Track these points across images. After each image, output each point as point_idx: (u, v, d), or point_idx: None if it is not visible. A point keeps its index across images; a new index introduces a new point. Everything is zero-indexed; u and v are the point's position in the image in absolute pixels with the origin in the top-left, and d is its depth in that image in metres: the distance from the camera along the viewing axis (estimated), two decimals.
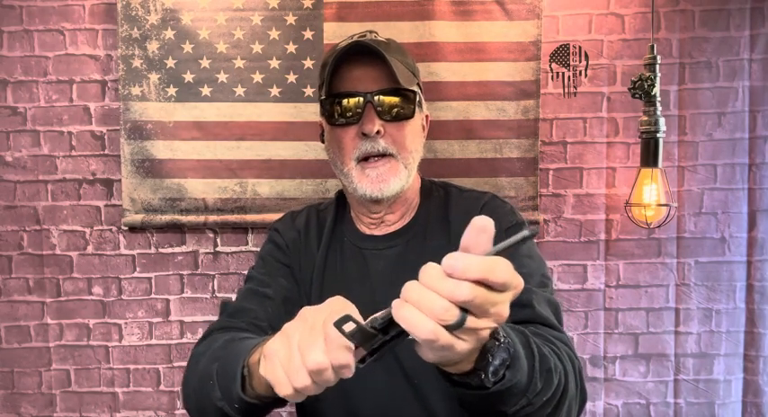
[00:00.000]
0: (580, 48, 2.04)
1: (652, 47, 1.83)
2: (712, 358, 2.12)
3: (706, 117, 2.07)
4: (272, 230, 1.07)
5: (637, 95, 1.82)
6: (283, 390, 0.52)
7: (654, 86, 1.80)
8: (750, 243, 2.10)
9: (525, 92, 2.00)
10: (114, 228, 2.06)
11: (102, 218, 2.06)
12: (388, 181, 0.92)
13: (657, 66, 1.82)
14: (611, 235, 2.10)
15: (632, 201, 1.92)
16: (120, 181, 2.03)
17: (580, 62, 2.05)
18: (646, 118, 1.84)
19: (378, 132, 0.90)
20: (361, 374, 0.50)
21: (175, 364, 2.09)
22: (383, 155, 0.92)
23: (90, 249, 2.07)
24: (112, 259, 2.07)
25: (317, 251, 1.00)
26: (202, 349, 0.84)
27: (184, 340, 2.09)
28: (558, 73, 2.05)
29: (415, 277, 0.48)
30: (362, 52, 0.91)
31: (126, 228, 2.05)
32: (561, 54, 2.04)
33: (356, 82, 0.91)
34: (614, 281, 2.11)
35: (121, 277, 2.08)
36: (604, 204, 2.09)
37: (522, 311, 0.80)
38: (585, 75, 2.05)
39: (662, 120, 1.83)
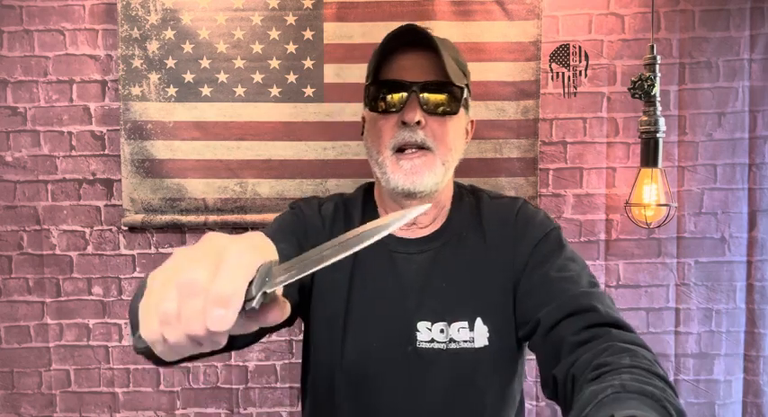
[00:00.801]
0: (580, 48, 2.04)
1: (652, 47, 1.83)
2: (712, 358, 2.12)
3: (706, 117, 2.07)
4: (295, 207, 1.01)
5: (637, 95, 1.82)
6: (146, 328, 0.43)
7: (654, 86, 1.80)
8: (750, 243, 2.10)
9: (525, 92, 2.00)
10: (114, 228, 2.06)
11: (102, 218, 2.06)
12: (423, 174, 0.88)
13: (657, 66, 1.82)
14: (611, 235, 2.10)
15: (632, 201, 1.92)
16: (120, 181, 2.03)
17: (580, 62, 2.05)
18: (646, 118, 1.84)
19: (418, 122, 0.87)
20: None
21: None
22: (420, 148, 0.88)
23: (90, 249, 2.07)
24: (112, 259, 2.07)
25: None
26: None
27: None
28: (557, 73, 2.05)
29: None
30: (414, 42, 0.88)
31: (126, 228, 2.05)
32: (561, 54, 2.04)
33: (404, 71, 0.89)
34: (614, 281, 2.11)
35: (121, 277, 2.07)
36: (604, 204, 2.09)
37: (586, 315, 0.78)
38: (585, 76, 2.05)
39: (662, 120, 1.83)
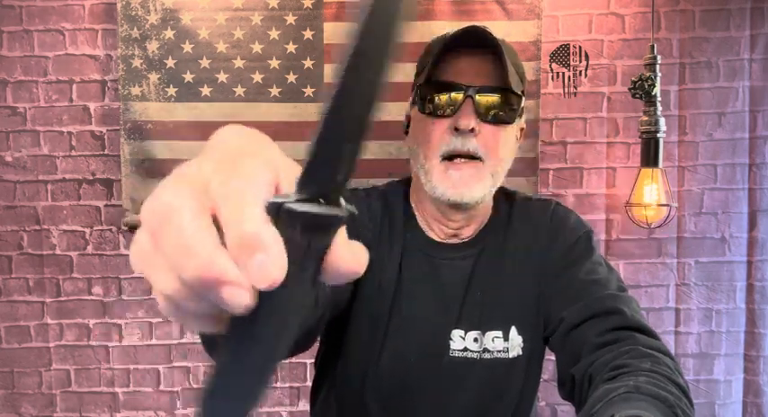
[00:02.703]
0: (580, 48, 2.04)
1: (652, 47, 1.83)
2: (713, 358, 2.12)
3: (706, 117, 2.07)
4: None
5: (637, 95, 1.82)
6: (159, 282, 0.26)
7: (654, 86, 1.80)
8: (750, 243, 2.10)
9: (525, 91, 1.99)
10: (114, 228, 2.06)
11: (102, 218, 2.06)
12: (471, 186, 0.83)
13: (658, 66, 1.81)
14: (612, 235, 2.10)
15: (632, 201, 1.92)
16: (119, 181, 2.03)
17: (580, 62, 2.04)
18: (646, 118, 1.84)
19: (472, 130, 0.82)
20: None
21: (175, 364, 2.09)
22: (471, 158, 0.83)
23: (90, 249, 2.06)
24: (112, 259, 2.07)
25: (389, 250, 0.90)
26: None
27: (184, 340, 2.09)
28: (558, 73, 2.04)
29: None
30: (474, 43, 0.83)
31: (126, 228, 2.05)
32: (561, 54, 2.04)
33: (461, 73, 0.84)
34: None
35: (121, 277, 2.07)
36: (605, 204, 2.09)
37: (611, 318, 0.77)
38: (586, 75, 2.05)
39: (662, 120, 1.83)
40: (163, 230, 0.26)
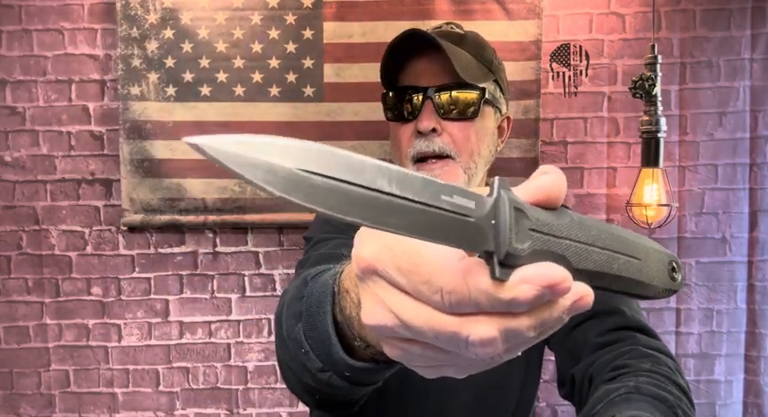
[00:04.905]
0: (581, 47, 2.03)
1: (653, 46, 1.82)
2: (713, 358, 2.12)
3: (707, 117, 2.06)
4: (321, 222, 0.92)
5: (637, 95, 1.81)
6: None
7: (655, 86, 1.79)
8: (751, 243, 2.10)
9: (525, 91, 1.99)
10: (113, 228, 2.06)
11: (102, 218, 2.06)
12: None
13: (658, 66, 1.81)
14: None
15: (633, 201, 1.91)
16: (119, 181, 2.02)
17: (581, 62, 2.04)
18: (647, 117, 1.83)
19: (434, 130, 0.83)
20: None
21: (174, 364, 2.09)
22: (441, 157, 0.84)
23: (89, 249, 2.06)
24: (112, 259, 2.07)
25: None
26: (280, 308, 0.61)
27: (183, 340, 2.09)
28: (558, 72, 2.04)
29: None
30: (425, 44, 0.84)
31: (125, 228, 2.04)
32: (562, 53, 2.04)
33: (417, 76, 0.85)
34: None
35: (121, 277, 2.07)
36: (605, 204, 2.09)
37: (611, 318, 0.77)
38: (586, 75, 2.05)
39: (663, 120, 1.82)
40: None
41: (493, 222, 0.26)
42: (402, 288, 0.29)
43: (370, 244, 0.30)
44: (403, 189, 0.25)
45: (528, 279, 0.26)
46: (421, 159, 0.85)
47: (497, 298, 0.26)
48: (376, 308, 0.30)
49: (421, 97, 0.84)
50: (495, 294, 0.26)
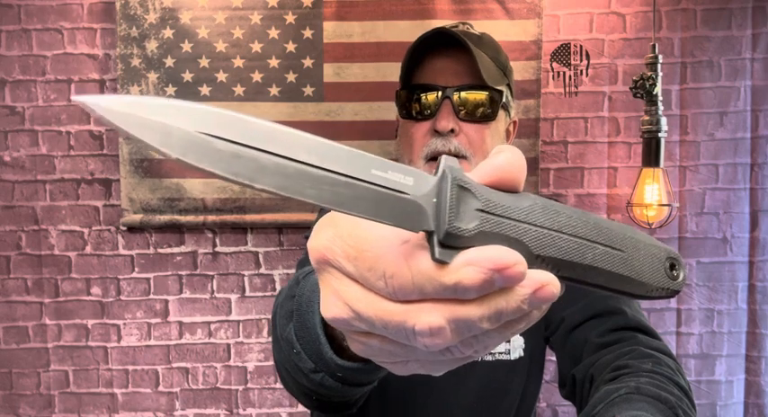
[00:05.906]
0: (581, 47, 2.03)
1: (653, 46, 1.82)
2: (714, 358, 2.11)
3: (708, 116, 2.06)
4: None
5: (638, 95, 1.81)
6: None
7: (655, 86, 1.79)
8: (752, 243, 2.09)
9: (526, 91, 1.99)
10: (113, 228, 2.05)
11: (101, 218, 2.06)
12: None
13: (659, 66, 1.80)
14: None
15: (634, 201, 1.91)
16: (118, 180, 2.02)
17: (581, 61, 2.03)
18: (647, 117, 1.83)
19: (452, 130, 0.82)
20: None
21: (174, 365, 2.08)
22: (455, 157, 0.85)
23: (88, 249, 2.06)
24: (111, 259, 2.06)
25: None
26: (275, 308, 0.62)
27: (183, 340, 2.08)
28: (558, 72, 2.04)
29: None
30: (448, 43, 0.83)
31: (124, 228, 2.04)
32: (562, 53, 2.03)
33: (437, 74, 0.84)
34: None
35: (120, 277, 2.07)
36: (606, 204, 2.08)
37: (612, 318, 0.77)
38: (586, 75, 2.04)
39: (663, 120, 1.82)
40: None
41: (434, 200, 0.25)
42: (352, 276, 0.27)
43: (323, 234, 0.28)
44: (323, 159, 0.24)
45: (472, 261, 0.24)
46: (433, 158, 0.83)
47: (440, 282, 0.24)
48: (332, 300, 0.28)
49: (440, 96, 0.83)
50: (437, 277, 0.24)
